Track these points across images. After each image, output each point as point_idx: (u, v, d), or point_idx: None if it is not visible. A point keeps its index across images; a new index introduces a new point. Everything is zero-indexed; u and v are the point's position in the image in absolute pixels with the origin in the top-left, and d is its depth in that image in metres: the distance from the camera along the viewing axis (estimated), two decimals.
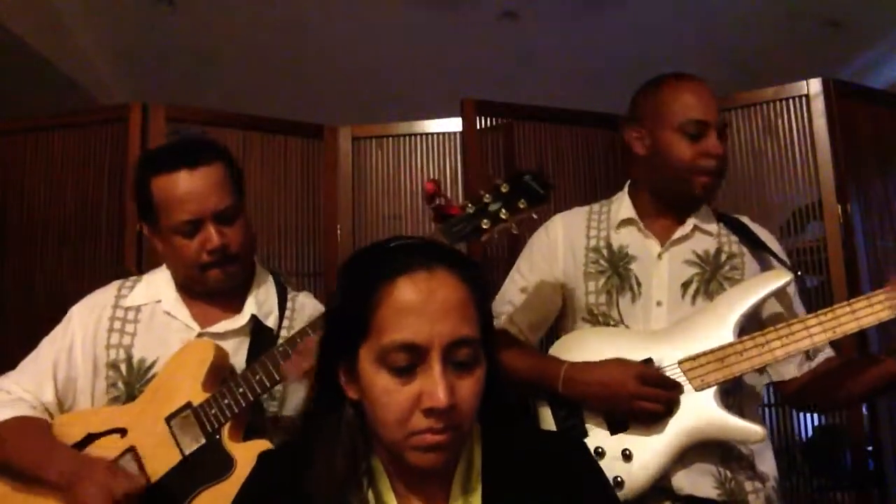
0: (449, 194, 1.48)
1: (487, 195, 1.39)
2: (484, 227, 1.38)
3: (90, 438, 1.48)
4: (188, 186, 1.49)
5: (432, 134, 2.72)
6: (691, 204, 1.70)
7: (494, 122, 2.64)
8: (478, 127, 2.60)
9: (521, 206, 1.39)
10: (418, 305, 0.91)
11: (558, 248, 1.76)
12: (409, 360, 0.90)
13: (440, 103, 2.66)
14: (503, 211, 1.38)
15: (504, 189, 1.39)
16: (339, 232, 2.69)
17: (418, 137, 2.73)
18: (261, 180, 2.63)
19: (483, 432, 1.02)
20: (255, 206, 2.60)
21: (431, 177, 2.66)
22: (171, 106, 2.59)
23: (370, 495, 0.97)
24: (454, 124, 2.68)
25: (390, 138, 2.74)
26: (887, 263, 2.45)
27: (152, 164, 1.55)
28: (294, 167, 2.68)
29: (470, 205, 1.40)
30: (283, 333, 1.56)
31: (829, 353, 1.65)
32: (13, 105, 3.40)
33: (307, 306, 1.63)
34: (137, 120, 2.53)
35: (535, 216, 1.42)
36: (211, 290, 1.55)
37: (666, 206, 1.71)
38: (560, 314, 1.78)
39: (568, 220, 1.80)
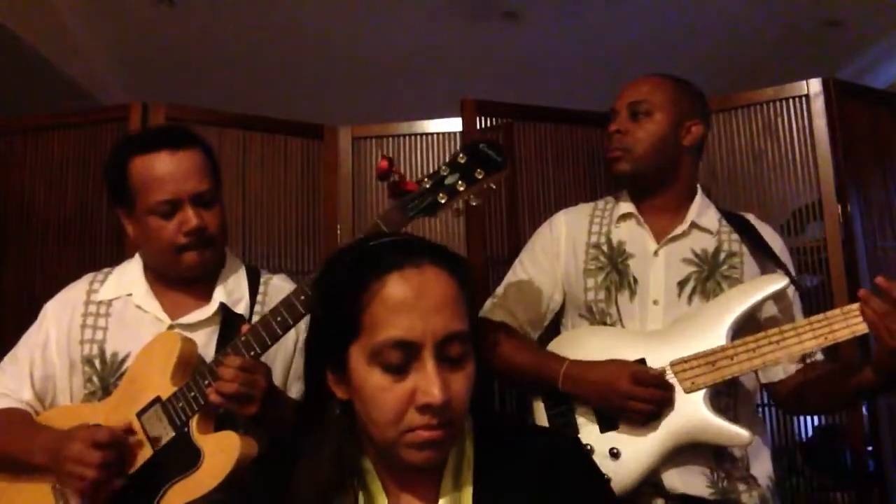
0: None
1: (444, 167, 1.35)
2: (441, 201, 1.33)
3: None
4: (169, 166, 1.49)
5: (432, 134, 2.72)
6: (654, 187, 1.72)
7: (494, 122, 2.64)
8: (478, 127, 2.60)
9: (479, 175, 1.33)
10: (410, 302, 0.90)
11: (561, 244, 1.77)
12: (402, 358, 0.90)
13: (440, 103, 2.66)
14: (460, 182, 1.32)
15: (461, 160, 1.34)
16: (339, 232, 2.68)
17: (418, 137, 2.72)
18: (261, 180, 2.62)
19: (474, 426, 1.01)
20: (255, 206, 2.60)
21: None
22: (171, 106, 2.58)
23: (360, 496, 0.97)
24: (454, 124, 2.67)
25: (390, 138, 2.74)
26: (887, 263, 2.45)
27: (132, 144, 1.54)
28: (294, 167, 2.67)
29: (426, 179, 1.35)
30: (255, 319, 1.54)
31: (818, 356, 1.65)
32: (13, 105, 3.40)
33: (281, 289, 1.61)
34: (137, 120, 2.52)
35: (493, 186, 1.36)
36: (184, 275, 1.54)
37: (658, 199, 1.72)
38: (560, 310, 1.78)
39: (571, 217, 1.81)
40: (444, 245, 1.00)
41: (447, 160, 1.36)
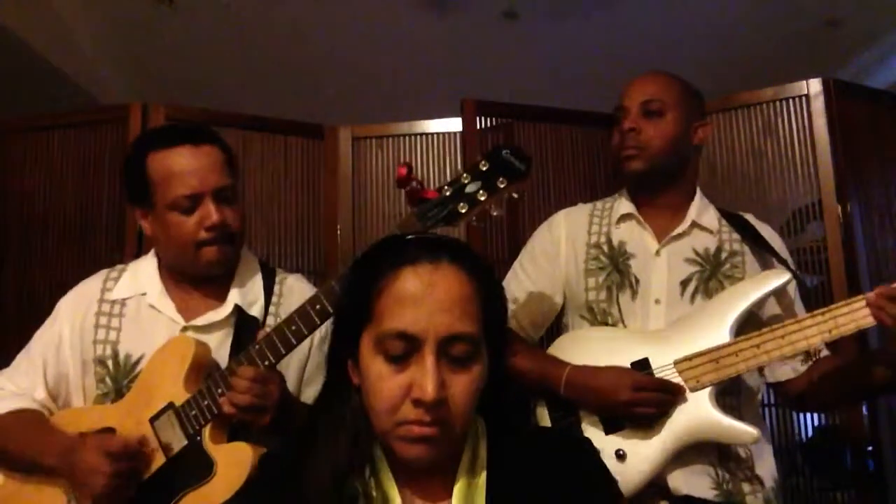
0: None
1: (466, 175, 1.29)
2: (461, 210, 1.27)
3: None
4: (191, 161, 1.47)
5: (432, 134, 2.72)
6: (662, 185, 1.71)
7: (494, 122, 2.64)
8: (478, 127, 2.60)
9: (501, 184, 1.27)
10: (418, 296, 0.92)
11: (560, 245, 1.76)
12: (403, 349, 0.91)
13: (440, 103, 2.66)
14: (481, 192, 1.27)
15: (483, 167, 1.28)
16: (339, 232, 2.68)
17: (418, 137, 2.72)
18: (261, 180, 2.62)
19: (489, 428, 1.02)
20: (255, 206, 2.60)
21: (433, 175, 2.67)
22: (171, 106, 2.58)
23: (371, 483, 0.98)
24: (454, 124, 2.67)
25: (390, 138, 2.74)
26: (887, 263, 2.45)
27: (152, 140, 1.53)
28: (294, 167, 2.67)
29: (446, 187, 1.30)
30: (270, 321, 1.54)
31: (824, 353, 1.65)
32: (13, 105, 3.39)
33: (295, 289, 1.60)
34: (137, 120, 2.52)
35: (515, 195, 1.30)
36: (202, 272, 1.52)
37: (661, 198, 1.71)
38: (560, 311, 1.78)
39: (571, 217, 1.81)
40: (470, 247, 1.01)
41: (468, 166, 1.31)
